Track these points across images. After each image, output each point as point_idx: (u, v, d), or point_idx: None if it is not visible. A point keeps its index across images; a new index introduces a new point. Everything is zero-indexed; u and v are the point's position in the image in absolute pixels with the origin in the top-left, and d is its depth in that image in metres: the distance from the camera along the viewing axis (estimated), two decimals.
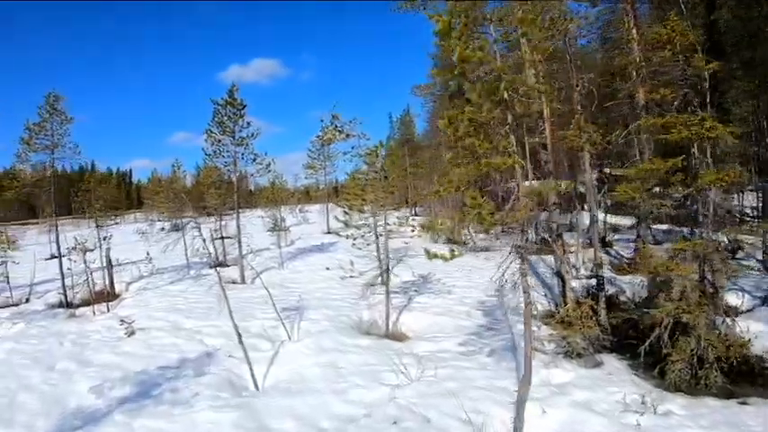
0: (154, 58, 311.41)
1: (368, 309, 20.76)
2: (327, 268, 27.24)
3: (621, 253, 28.66)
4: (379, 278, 21.92)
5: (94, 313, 22.57)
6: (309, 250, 37.07)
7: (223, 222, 37.08)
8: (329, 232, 49.76)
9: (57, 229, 26.14)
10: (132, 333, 18.78)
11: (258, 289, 22.72)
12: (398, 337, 18.29)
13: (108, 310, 23.03)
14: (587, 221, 37.78)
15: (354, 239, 22.21)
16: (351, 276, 24.26)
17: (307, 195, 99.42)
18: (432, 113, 59.76)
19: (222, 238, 34.32)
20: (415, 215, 46.96)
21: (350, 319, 19.64)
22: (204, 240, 16.04)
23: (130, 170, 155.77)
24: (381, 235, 20.27)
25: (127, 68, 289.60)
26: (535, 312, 19.04)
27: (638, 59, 22.55)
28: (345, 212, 22.61)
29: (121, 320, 19.31)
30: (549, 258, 26.98)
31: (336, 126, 26.75)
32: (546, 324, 17.75)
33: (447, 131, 10.70)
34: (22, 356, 17.21)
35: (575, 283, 20.10)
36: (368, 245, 22.13)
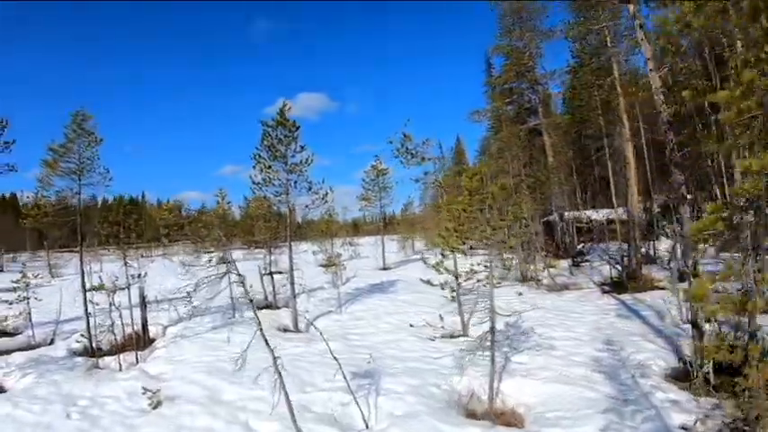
0: (203, 92, 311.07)
1: (459, 373, 15.59)
2: (411, 325, 21.93)
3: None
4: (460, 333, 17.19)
5: (120, 367, 18.17)
6: (368, 291, 32.03)
7: (272, 257, 32.46)
8: (385, 268, 45.03)
9: (81, 264, 21.74)
10: (158, 404, 14.13)
11: (315, 341, 18.46)
12: (511, 419, 13.15)
13: (137, 362, 18.77)
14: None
15: (453, 291, 16.97)
16: (442, 336, 19.41)
17: (355, 228, 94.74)
18: (486, 141, 56.60)
19: (271, 273, 29.51)
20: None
21: (441, 390, 14.42)
22: (245, 286, 11.21)
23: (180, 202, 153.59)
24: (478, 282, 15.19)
25: (174, 100, 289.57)
26: (656, 368, 14.74)
27: None
28: (442, 254, 17.60)
29: (144, 389, 14.61)
30: (643, 296, 24.12)
31: (408, 148, 22.08)
32: (681, 388, 12.99)
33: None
34: (15, 430, 12.87)
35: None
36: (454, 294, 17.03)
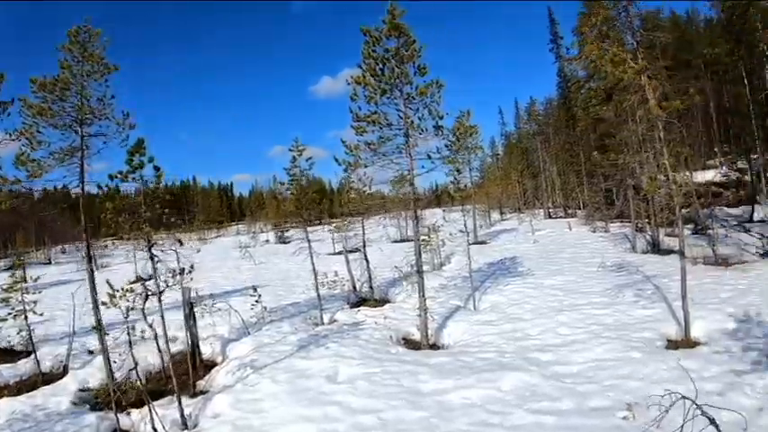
0: (249, 74, 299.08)
1: None
2: None
3: None
4: None
5: None
6: (490, 272, 23.11)
7: (349, 233, 23.92)
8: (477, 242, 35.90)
9: (89, 259, 12.92)
10: None
11: (468, 366, 11.17)
12: None
13: (184, 426, 10.24)
14: None
15: None
16: None
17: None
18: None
19: (359, 250, 21.51)
20: None
21: None
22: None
23: (231, 184, 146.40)
24: None
25: (224, 85, 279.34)
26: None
27: None
28: None
29: None
30: None
31: None
32: None
33: None
34: None
35: None
36: None
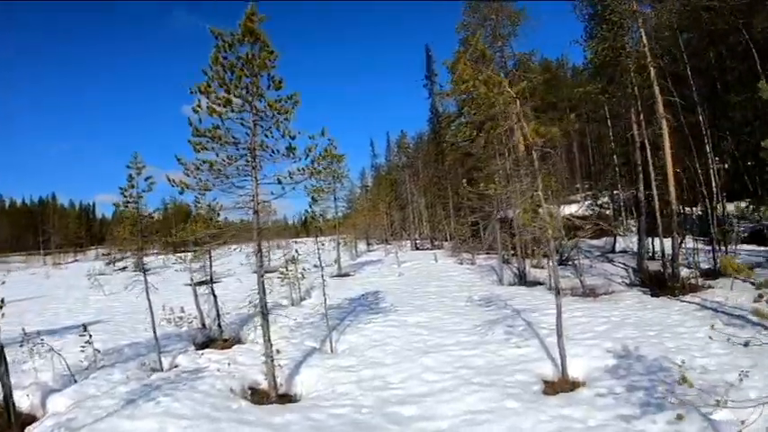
0: (120, 87, 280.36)
1: None
2: None
3: None
4: None
5: None
6: (350, 310, 21.53)
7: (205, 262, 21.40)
8: (342, 275, 34.31)
9: None
10: None
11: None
12: None
13: None
14: None
15: None
16: None
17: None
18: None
19: (209, 282, 19.25)
20: None
21: None
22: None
23: (93, 204, 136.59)
24: None
25: (93, 99, 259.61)
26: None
27: None
28: None
29: None
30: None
31: None
32: None
33: None
34: None
35: None
36: None
